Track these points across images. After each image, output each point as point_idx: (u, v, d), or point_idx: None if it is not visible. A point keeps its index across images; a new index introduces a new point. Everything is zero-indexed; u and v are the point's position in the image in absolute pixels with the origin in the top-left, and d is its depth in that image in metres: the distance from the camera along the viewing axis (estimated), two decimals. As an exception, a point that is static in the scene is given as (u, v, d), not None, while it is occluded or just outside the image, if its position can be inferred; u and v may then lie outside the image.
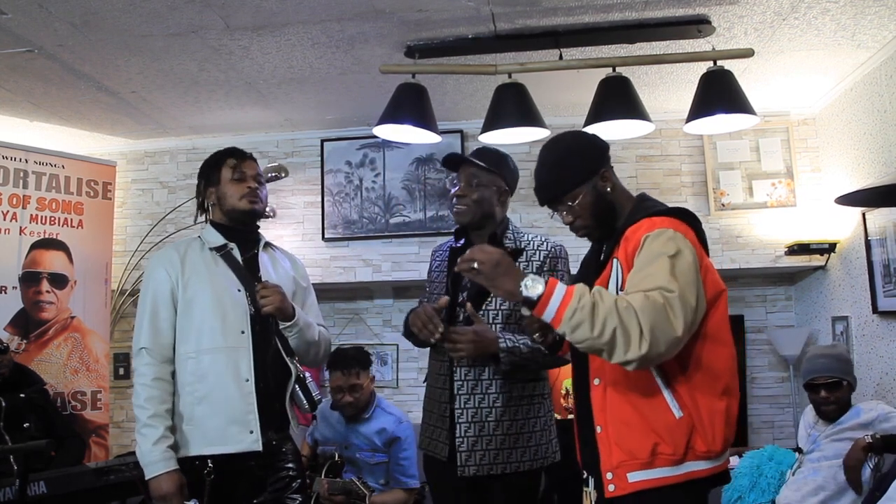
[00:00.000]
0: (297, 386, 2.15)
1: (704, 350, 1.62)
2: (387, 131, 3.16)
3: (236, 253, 2.20)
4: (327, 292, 4.46)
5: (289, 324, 2.14)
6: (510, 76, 3.03)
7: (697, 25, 2.86)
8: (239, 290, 2.14)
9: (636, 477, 1.61)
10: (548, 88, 3.48)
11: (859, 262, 3.38)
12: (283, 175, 3.90)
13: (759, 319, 4.16)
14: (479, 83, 3.48)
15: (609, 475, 1.63)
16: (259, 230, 2.32)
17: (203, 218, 2.30)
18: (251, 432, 2.04)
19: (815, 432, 2.79)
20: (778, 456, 3.01)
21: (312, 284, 4.33)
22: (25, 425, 3.07)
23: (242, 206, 2.18)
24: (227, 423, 2.03)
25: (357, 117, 4.00)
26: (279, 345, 2.15)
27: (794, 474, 2.80)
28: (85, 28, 2.82)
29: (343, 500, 3.14)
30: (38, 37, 2.89)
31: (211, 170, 2.25)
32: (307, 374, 2.17)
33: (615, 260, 1.66)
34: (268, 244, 2.33)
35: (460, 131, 4.10)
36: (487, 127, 3.09)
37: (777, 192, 3.87)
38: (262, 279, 2.17)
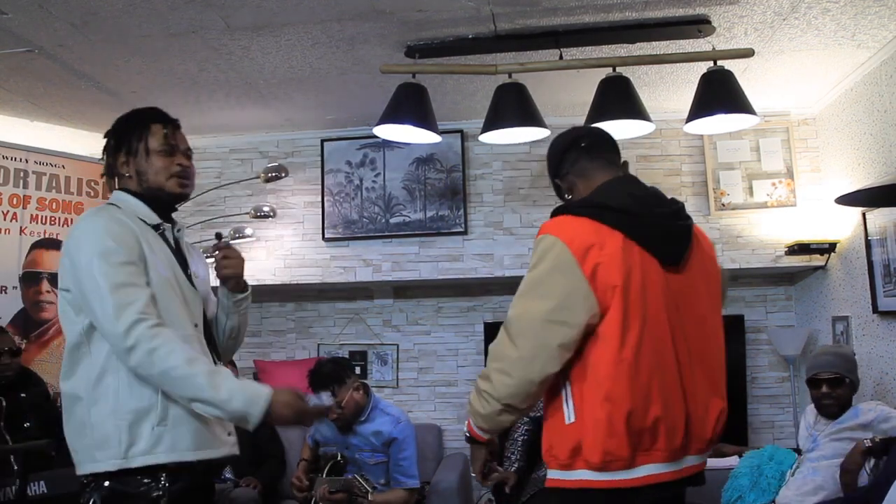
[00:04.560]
0: None
1: (592, 353, 1.58)
2: (387, 131, 3.17)
3: (170, 235, 1.85)
4: (327, 292, 4.47)
5: (242, 295, 1.92)
6: (510, 76, 3.04)
7: (697, 25, 2.86)
8: (185, 278, 1.83)
9: (550, 474, 1.65)
10: (548, 88, 3.48)
11: (859, 262, 3.38)
12: (282, 175, 3.91)
13: (759, 319, 4.16)
14: (479, 83, 3.48)
15: None
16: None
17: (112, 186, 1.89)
18: (230, 434, 1.78)
19: (815, 432, 2.80)
20: (778, 456, 3.00)
21: (313, 284, 4.36)
22: (26, 425, 3.07)
23: (171, 188, 1.81)
24: (206, 424, 1.69)
25: (357, 117, 4.00)
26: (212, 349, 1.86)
27: (793, 474, 2.80)
28: (85, 28, 2.82)
29: (344, 497, 3.15)
30: (38, 37, 2.89)
31: (130, 135, 1.83)
32: None
33: None
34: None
35: (460, 131, 4.10)
36: (487, 127, 3.09)
37: (777, 192, 3.87)
38: (191, 268, 1.87)
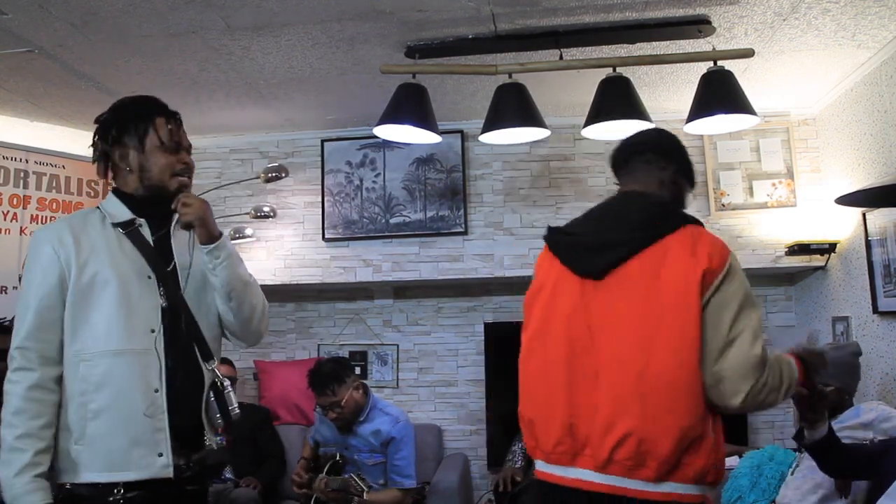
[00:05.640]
0: (212, 395, 1.77)
1: None
2: (387, 131, 3.17)
3: (146, 231, 1.78)
4: (327, 292, 4.47)
5: (212, 245, 1.76)
6: (510, 76, 3.04)
7: (697, 25, 2.86)
8: (149, 277, 1.74)
9: None
10: (548, 88, 3.48)
11: (859, 262, 3.38)
12: (282, 175, 3.91)
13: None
14: (480, 83, 3.48)
15: None
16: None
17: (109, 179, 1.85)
18: (160, 455, 1.65)
19: (815, 432, 2.79)
20: (778, 456, 3.00)
21: (313, 284, 4.36)
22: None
23: (172, 187, 1.79)
24: (129, 444, 1.63)
25: (357, 117, 4.00)
26: (196, 347, 1.78)
27: (793, 474, 2.80)
28: (85, 28, 2.82)
29: (341, 496, 3.15)
30: (38, 37, 2.89)
31: (134, 127, 1.78)
32: (227, 383, 1.81)
33: None
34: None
35: (460, 131, 4.10)
36: (488, 127, 3.09)
37: (777, 193, 3.87)
38: (175, 264, 1.80)
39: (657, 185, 1.83)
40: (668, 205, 1.80)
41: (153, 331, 1.71)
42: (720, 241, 1.69)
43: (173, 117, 1.82)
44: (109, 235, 1.74)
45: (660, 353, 1.56)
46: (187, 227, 1.77)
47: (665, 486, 1.55)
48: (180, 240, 1.83)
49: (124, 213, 1.77)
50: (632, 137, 1.93)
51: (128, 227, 1.76)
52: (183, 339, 1.75)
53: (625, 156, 1.87)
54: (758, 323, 1.61)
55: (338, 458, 3.35)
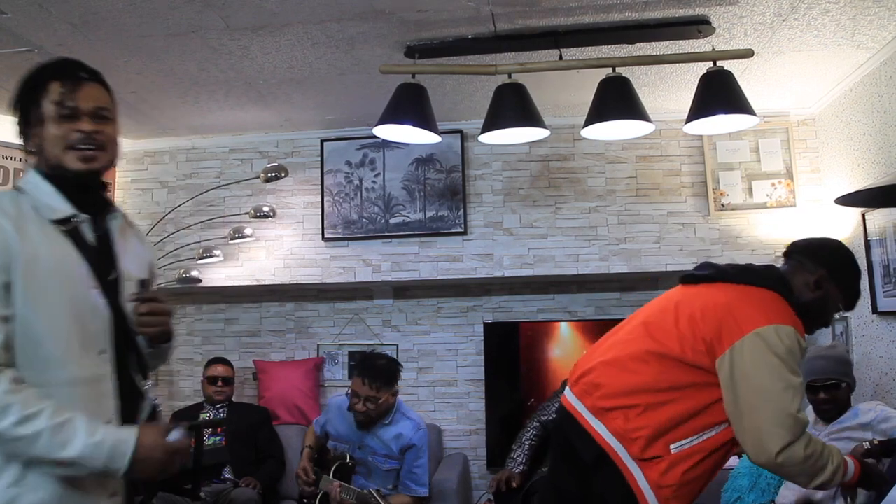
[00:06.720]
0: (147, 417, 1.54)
1: None
2: (387, 131, 3.17)
3: (86, 230, 1.49)
4: (327, 292, 4.47)
5: (167, 345, 1.59)
6: (510, 76, 3.04)
7: (697, 26, 2.87)
8: (94, 289, 1.45)
9: None
10: (548, 88, 3.48)
11: (859, 262, 3.37)
12: (282, 175, 3.91)
13: (759, 320, 4.15)
14: (479, 83, 3.48)
15: None
16: (107, 188, 1.59)
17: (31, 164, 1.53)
18: (113, 495, 1.43)
19: (815, 431, 2.79)
20: (777, 456, 3.00)
21: (313, 284, 4.36)
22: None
23: (70, 163, 1.45)
24: (86, 485, 1.39)
25: (357, 117, 4.00)
26: (137, 365, 1.53)
27: (793, 474, 2.80)
28: (85, 28, 2.83)
29: None
30: (38, 37, 2.89)
31: (27, 100, 1.49)
32: (158, 401, 1.61)
33: None
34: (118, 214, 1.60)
35: (460, 131, 4.10)
36: (487, 127, 3.09)
37: (777, 193, 3.87)
38: (123, 272, 1.52)
39: (801, 284, 1.99)
40: (782, 276, 1.98)
41: (102, 352, 1.45)
42: (776, 312, 1.84)
43: (69, 78, 1.47)
44: (49, 233, 1.43)
45: (647, 335, 1.93)
46: (149, 338, 1.54)
47: (595, 422, 1.85)
48: (121, 244, 1.57)
49: (62, 207, 1.46)
50: (802, 239, 2.17)
51: (66, 224, 1.46)
52: (124, 358, 1.50)
53: (787, 252, 2.11)
54: (794, 385, 1.77)
55: (347, 460, 3.29)
